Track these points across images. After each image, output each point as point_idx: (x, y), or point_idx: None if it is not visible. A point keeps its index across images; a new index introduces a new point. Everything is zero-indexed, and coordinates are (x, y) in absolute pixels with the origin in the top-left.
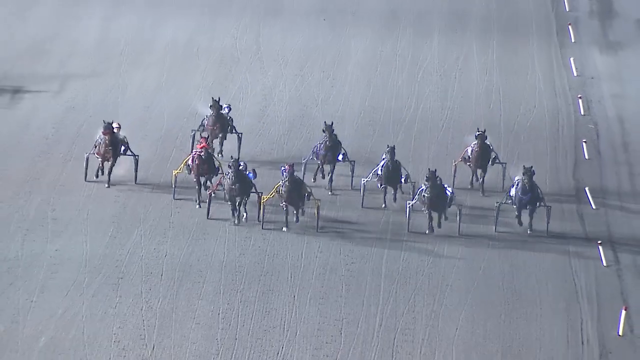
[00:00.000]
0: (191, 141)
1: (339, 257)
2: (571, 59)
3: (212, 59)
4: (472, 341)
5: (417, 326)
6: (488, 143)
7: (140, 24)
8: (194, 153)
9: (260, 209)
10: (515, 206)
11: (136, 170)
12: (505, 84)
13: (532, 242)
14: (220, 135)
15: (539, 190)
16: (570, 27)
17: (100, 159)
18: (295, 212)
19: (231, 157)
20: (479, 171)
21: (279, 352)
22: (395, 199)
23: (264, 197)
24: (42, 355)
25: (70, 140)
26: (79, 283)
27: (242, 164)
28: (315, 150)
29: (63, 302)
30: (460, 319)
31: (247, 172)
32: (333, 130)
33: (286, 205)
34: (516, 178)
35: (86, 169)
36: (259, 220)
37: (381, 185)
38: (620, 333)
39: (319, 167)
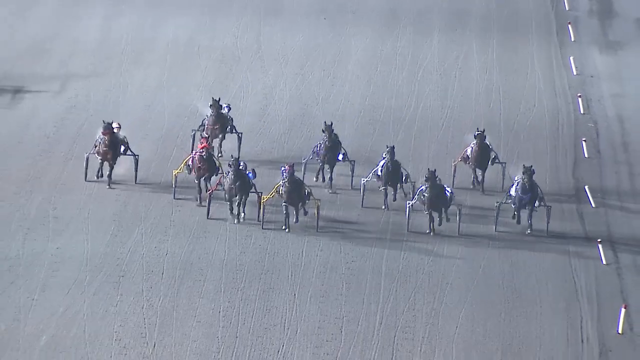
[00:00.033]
0: (191, 141)
1: (339, 255)
2: (571, 58)
3: (212, 57)
4: (472, 339)
5: (417, 324)
6: (487, 143)
7: (141, 23)
8: (194, 153)
9: (260, 209)
10: (514, 205)
11: (136, 170)
12: (505, 83)
13: (532, 241)
14: (220, 135)
15: (539, 190)
16: (570, 26)
17: (100, 159)
18: (295, 212)
19: (231, 156)
20: (478, 171)
21: (280, 350)
22: (395, 199)
23: (264, 197)
24: (44, 353)
25: (71, 140)
26: (80, 281)
27: (242, 164)
28: (315, 150)
29: (64, 300)
30: (461, 317)
31: (247, 172)
32: (333, 130)
33: (286, 207)
34: (516, 177)
35: (86, 169)
36: (259, 221)
37: (381, 187)
38: (620, 331)
39: (321, 166)
